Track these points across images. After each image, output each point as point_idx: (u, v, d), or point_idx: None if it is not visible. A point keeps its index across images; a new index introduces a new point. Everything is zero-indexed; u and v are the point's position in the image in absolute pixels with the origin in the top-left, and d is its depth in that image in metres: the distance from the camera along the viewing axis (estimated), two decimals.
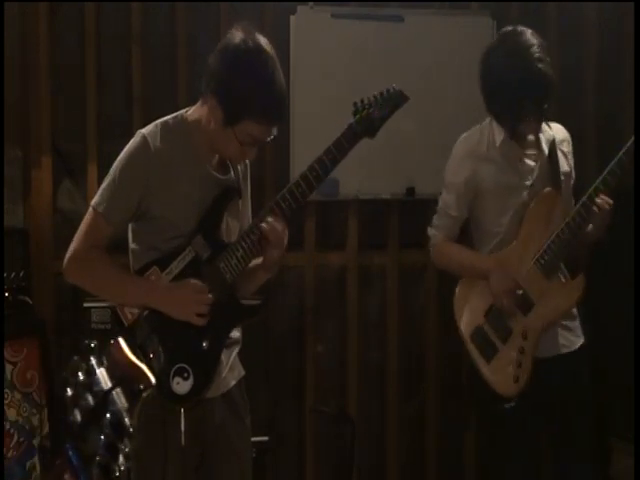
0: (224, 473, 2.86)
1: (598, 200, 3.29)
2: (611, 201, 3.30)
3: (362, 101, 2.72)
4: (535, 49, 3.24)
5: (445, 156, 4.40)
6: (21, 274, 3.95)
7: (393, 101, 2.74)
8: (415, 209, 4.54)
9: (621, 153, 3.30)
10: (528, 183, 3.40)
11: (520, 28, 3.32)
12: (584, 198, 3.32)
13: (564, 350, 3.45)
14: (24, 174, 4.18)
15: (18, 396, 3.85)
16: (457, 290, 3.49)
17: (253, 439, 3.01)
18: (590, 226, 3.37)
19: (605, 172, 3.30)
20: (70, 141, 4.27)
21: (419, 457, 4.66)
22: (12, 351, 3.84)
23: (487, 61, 3.35)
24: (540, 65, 3.21)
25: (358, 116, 2.70)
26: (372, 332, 4.60)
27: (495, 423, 3.51)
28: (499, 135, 3.38)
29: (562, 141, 3.49)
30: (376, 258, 4.58)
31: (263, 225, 2.70)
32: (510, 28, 3.35)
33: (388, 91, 2.74)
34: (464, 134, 3.51)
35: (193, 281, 2.69)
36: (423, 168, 4.45)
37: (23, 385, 3.87)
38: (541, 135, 3.43)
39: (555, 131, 3.48)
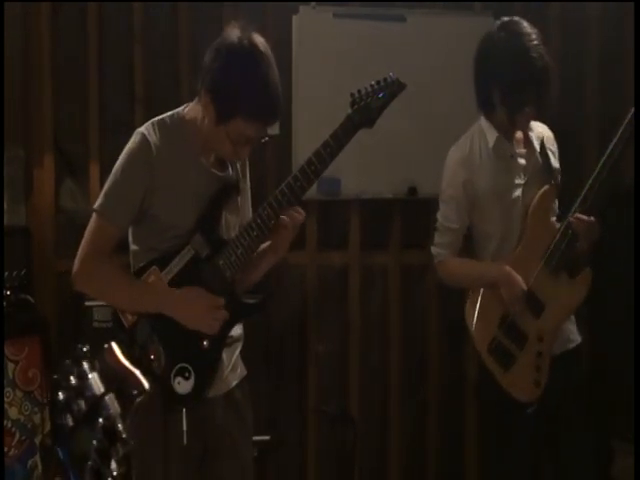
0: (225, 473, 2.86)
1: None
2: None
3: (359, 91, 2.70)
4: (534, 37, 3.24)
5: (447, 156, 4.43)
6: (23, 273, 3.95)
7: (390, 89, 2.71)
8: (417, 209, 4.54)
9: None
10: (521, 181, 3.39)
11: (517, 18, 3.32)
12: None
13: (571, 345, 3.45)
14: (26, 173, 4.18)
15: (20, 394, 3.85)
16: (467, 305, 3.45)
17: (254, 439, 3.01)
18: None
19: None
20: (72, 140, 4.27)
21: (420, 458, 4.66)
22: (14, 350, 3.84)
23: (487, 47, 3.33)
24: (540, 50, 3.22)
25: (356, 106, 2.68)
26: (374, 332, 4.60)
27: (500, 425, 3.52)
28: (492, 135, 3.37)
29: (549, 139, 3.49)
30: (378, 258, 4.58)
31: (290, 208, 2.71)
32: (508, 18, 3.33)
33: (385, 80, 2.72)
34: (454, 145, 3.48)
35: (209, 296, 2.70)
36: (425, 168, 4.44)
37: (24, 383, 3.87)
38: (531, 133, 3.43)
39: (542, 129, 3.48)
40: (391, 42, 4.33)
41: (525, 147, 3.42)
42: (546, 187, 3.39)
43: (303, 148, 4.19)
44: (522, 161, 3.40)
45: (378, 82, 2.72)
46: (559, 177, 3.49)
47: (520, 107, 3.29)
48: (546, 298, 3.37)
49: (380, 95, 2.70)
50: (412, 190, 4.46)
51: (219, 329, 2.72)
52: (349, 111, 2.69)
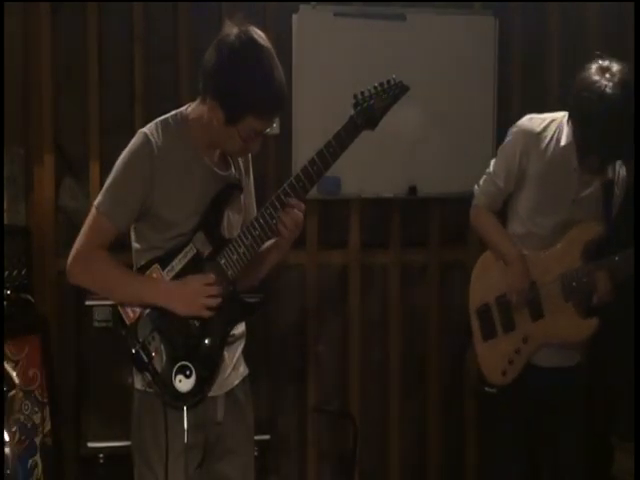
0: (227, 472, 2.86)
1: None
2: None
3: (362, 93, 2.70)
4: (620, 101, 3.08)
5: (447, 155, 4.44)
6: (23, 272, 3.96)
7: (393, 92, 2.72)
8: (417, 208, 4.55)
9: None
10: (570, 196, 3.34)
11: (616, 69, 3.15)
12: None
13: (565, 364, 3.45)
14: (26, 172, 4.18)
15: (20, 394, 3.85)
16: (480, 259, 3.50)
17: (255, 438, 3.01)
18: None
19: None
20: (72, 139, 4.27)
21: (421, 456, 4.66)
22: (14, 349, 3.84)
23: (591, 92, 3.12)
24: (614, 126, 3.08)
25: (359, 108, 2.69)
26: (374, 331, 4.60)
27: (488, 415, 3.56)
28: (567, 137, 3.29)
29: (621, 179, 3.40)
30: (378, 257, 4.58)
31: (288, 200, 2.70)
32: (611, 67, 3.17)
33: (388, 82, 2.72)
34: (531, 114, 3.42)
35: (199, 275, 2.70)
36: (425, 167, 4.45)
37: (25, 383, 3.87)
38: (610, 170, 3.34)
39: (618, 168, 3.38)
40: (391, 41, 4.33)
41: (594, 175, 3.30)
42: (597, 224, 3.34)
43: (303, 148, 4.19)
44: (583, 182, 3.32)
45: (381, 84, 2.72)
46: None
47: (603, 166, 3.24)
48: (548, 311, 3.37)
49: (383, 97, 2.71)
50: (412, 189, 4.45)
51: (216, 318, 2.71)
52: (352, 112, 2.70)
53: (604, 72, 3.14)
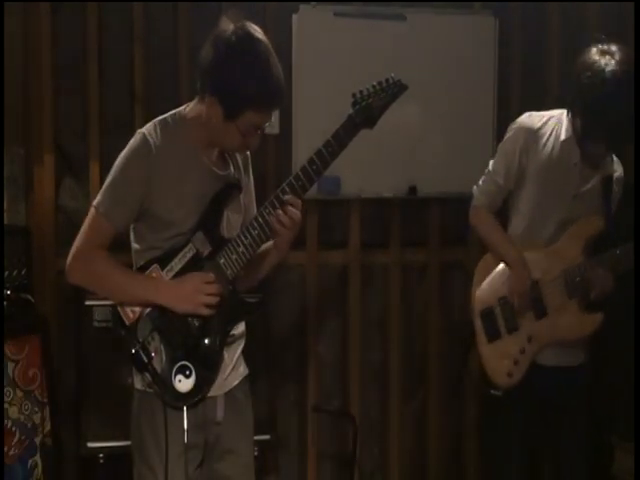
0: (227, 472, 2.86)
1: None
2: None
3: (361, 92, 2.71)
4: (619, 84, 3.07)
5: (447, 155, 4.44)
6: (23, 272, 3.95)
7: (392, 90, 2.72)
8: (417, 208, 4.55)
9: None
10: (571, 192, 3.33)
11: (614, 48, 3.13)
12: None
13: (569, 363, 3.44)
14: (26, 172, 4.18)
15: (20, 394, 3.85)
16: (481, 262, 3.49)
17: (255, 438, 3.01)
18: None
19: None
20: (72, 139, 4.27)
21: (421, 456, 4.66)
22: (14, 349, 3.84)
23: (582, 69, 3.13)
24: (617, 105, 3.07)
25: (358, 106, 2.69)
26: (374, 331, 4.60)
27: (489, 415, 3.54)
28: (567, 132, 3.30)
29: (618, 180, 3.40)
30: (378, 257, 4.58)
31: (285, 197, 2.69)
32: (610, 48, 3.13)
33: (387, 81, 2.73)
34: (534, 112, 3.41)
35: (198, 273, 2.70)
36: (425, 167, 4.45)
37: (25, 383, 3.87)
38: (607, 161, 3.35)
39: (617, 167, 3.39)
40: (391, 41, 4.34)
41: (594, 170, 3.32)
42: (597, 218, 3.34)
43: (303, 148, 4.19)
44: (583, 176, 3.32)
45: (380, 83, 2.72)
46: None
47: (592, 143, 3.23)
48: (551, 309, 3.37)
49: (382, 96, 2.71)
50: (412, 189, 4.46)
51: (215, 318, 2.72)
52: (351, 111, 2.70)
53: (604, 54, 3.14)
